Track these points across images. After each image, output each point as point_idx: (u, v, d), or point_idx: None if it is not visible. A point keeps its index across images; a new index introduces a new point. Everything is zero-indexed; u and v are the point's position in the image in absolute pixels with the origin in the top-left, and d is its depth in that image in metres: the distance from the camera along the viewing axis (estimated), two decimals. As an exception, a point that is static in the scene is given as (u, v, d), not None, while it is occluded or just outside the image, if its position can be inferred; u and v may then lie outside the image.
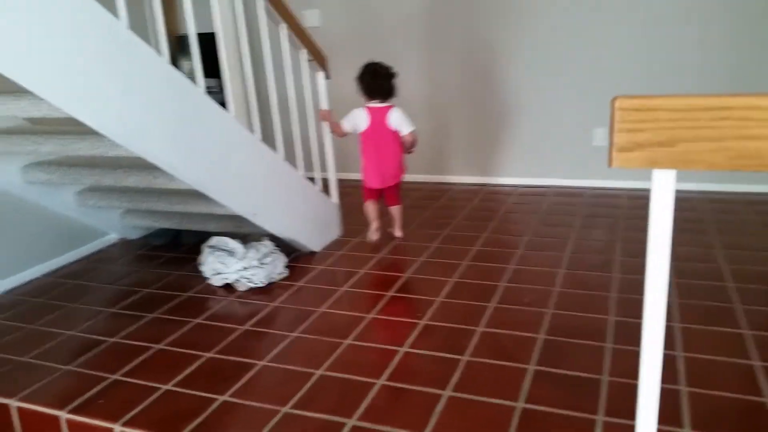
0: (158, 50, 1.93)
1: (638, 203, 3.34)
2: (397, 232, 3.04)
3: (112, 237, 3.25)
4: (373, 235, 2.97)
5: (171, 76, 1.99)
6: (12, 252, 2.69)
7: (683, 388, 1.63)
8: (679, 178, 0.76)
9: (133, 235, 3.28)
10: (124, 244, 3.21)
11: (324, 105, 2.98)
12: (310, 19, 4.11)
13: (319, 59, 2.88)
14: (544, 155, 3.84)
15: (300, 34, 2.71)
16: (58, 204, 2.85)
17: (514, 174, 3.96)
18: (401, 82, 3.83)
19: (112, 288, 2.63)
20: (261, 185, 2.49)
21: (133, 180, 2.48)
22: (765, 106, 0.67)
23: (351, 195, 3.44)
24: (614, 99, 0.73)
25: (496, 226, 3.14)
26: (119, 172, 2.50)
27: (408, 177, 4.11)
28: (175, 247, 3.09)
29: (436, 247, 2.86)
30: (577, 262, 2.57)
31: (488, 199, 3.69)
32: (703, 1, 3.30)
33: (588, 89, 3.60)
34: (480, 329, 2.04)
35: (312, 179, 2.92)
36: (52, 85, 1.61)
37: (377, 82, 2.83)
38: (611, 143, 0.73)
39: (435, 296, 2.32)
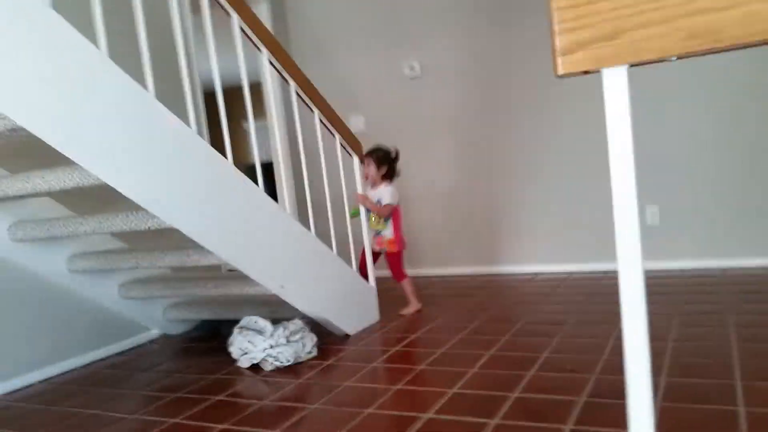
0: (189, 124, 2.05)
1: (694, 281, 3.10)
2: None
3: (154, 332, 3.26)
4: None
5: (200, 146, 2.08)
6: (55, 341, 2.72)
7: None
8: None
9: (175, 330, 3.28)
10: (164, 339, 3.21)
11: (360, 189, 3.05)
12: (355, 124, 4.31)
13: (354, 145, 2.97)
14: (593, 238, 3.68)
15: (334, 120, 2.82)
16: (102, 295, 2.91)
17: (565, 260, 3.80)
18: (446, 175, 3.90)
19: (141, 376, 2.59)
20: (290, 259, 2.48)
21: (168, 260, 2.52)
22: (707, -26, 0.61)
23: (392, 289, 3.36)
24: (550, -1, 0.69)
25: (546, 308, 2.97)
26: (155, 254, 2.56)
27: (449, 270, 4.07)
28: (213, 339, 3.05)
29: (475, 327, 2.70)
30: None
31: (538, 285, 3.52)
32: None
33: (638, 165, 3.51)
34: (514, 395, 1.84)
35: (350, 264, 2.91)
36: (92, 154, 1.72)
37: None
38: (553, 49, 0.68)
39: (469, 368, 2.15)
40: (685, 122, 3.42)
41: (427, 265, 4.24)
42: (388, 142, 4.22)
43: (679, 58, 0.65)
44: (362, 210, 3.09)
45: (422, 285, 3.88)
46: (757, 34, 0.59)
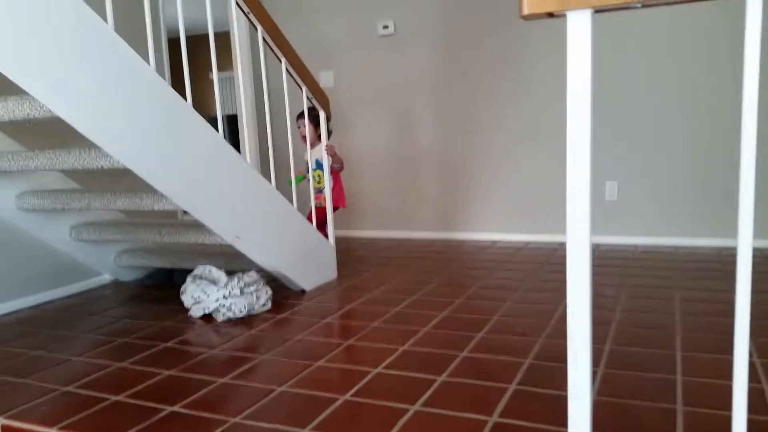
0: (147, 58, 1.96)
1: (647, 257, 3.18)
2: None
3: (106, 277, 3.20)
4: None
5: (158, 84, 2.01)
6: (2, 280, 2.64)
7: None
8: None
9: (128, 277, 3.22)
10: (116, 285, 3.15)
11: (324, 151, 3.02)
12: (325, 79, 4.24)
13: (320, 98, 2.91)
14: (552, 210, 3.72)
15: (301, 71, 2.75)
16: (53, 237, 2.83)
17: (524, 230, 3.85)
18: (413, 137, 3.88)
19: (89, 320, 2.54)
20: (248, 210, 2.43)
21: (121, 202, 2.45)
22: None
23: (355, 250, 3.37)
24: (520, -63, 0.66)
25: (501, 275, 3.00)
26: (108, 196, 2.48)
27: (408, 234, 4.09)
28: (166, 288, 3.01)
29: (431, 288, 2.73)
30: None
31: (495, 253, 3.56)
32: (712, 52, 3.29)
33: (598, 141, 3.56)
34: (463, 354, 1.87)
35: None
36: (40, 81, 1.63)
37: None
38: (520, -12, 0.66)
39: (421, 327, 2.17)
40: (648, 100, 3.45)
41: (386, 228, 4.25)
42: (356, 99, 4.18)
43: (644, 6, 0.63)
44: (310, 171, 3.08)
45: (381, 246, 3.89)
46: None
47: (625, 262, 3.12)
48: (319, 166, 3.15)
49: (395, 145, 4.16)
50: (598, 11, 0.64)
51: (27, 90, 1.61)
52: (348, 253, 3.61)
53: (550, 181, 3.71)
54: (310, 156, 3.07)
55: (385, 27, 3.99)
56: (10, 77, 1.56)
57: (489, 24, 3.77)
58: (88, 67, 1.74)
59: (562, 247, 3.58)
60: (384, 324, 2.24)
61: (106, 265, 3.11)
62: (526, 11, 0.65)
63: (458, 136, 3.97)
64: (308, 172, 3.11)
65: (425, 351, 1.93)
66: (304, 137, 3.05)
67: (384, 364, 1.83)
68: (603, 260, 3.19)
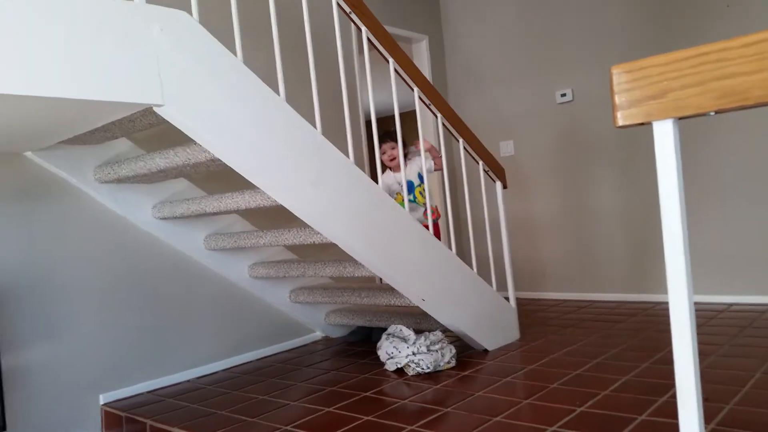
0: (347, 154, 2.38)
1: None
2: None
3: (318, 334, 3.67)
4: None
5: (357, 175, 2.40)
6: (237, 336, 3.21)
7: None
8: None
9: (335, 334, 3.66)
10: (326, 341, 3.60)
11: (502, 217, 3.18)
12: (505, 149, 4.46)
13: (496, 170, 3.13)
14: (759, 269, 3.44)
15: (477, 147, 3.01)
16: (276, 299, 3.37)
17: (726, 291, 3.59)
18: (594, 198, 3.90)
19: (304, 371, 2.97)
20: (432, 275, 2.70)
21: (329, 270, 2.88)
22: (735, 45, 0.74)
23: (540, 311, 3.45)
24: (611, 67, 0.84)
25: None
26: (318, 265, 2.93)
27: (603, 296, 4.03)
28: (366, 344, 3.38)
29: (616, 352, 2.71)
30: (783, 370, 2.23)
31: (697, 314, 3.37)
32: None
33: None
34: (641, 417, 1.89)
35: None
36: (269, 180, 2.10)
37: None
38: (613, 105, 0.84)
39: (601, 390, 2.20)
40: None
41: (572, 290, 4.24)
42: (536, 165, 4.32)
43: (717, 113, 0.77)
44: (426, 189, 3.09)
45: (566, 308, 3.90)
46: (777, 95, 0.71)
47: None
48: (421, 179, 3.19)
49: (576, 208, 4.19)
50: (680, 119, 0.80)
51: (259, 187, 2.08)
52: (532, 314, 3.70)
53: (754, 239, 3.45)
54: (413, 172, 3.19)
55: (563, 95, 4.13)
56: (249, 179, 2.04)
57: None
58: (303, 166, 2.18)
59: (771, 309, 3.28)
60: (563, 385, 2.31)
61: (318, 323, 3.58)
62: (620, 123, 0.82)
63: (644, 194, 3.88)
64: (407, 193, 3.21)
65: (602, 413, 1.98)
66: (392, 160, 3.23)
67: (559, 423, 1.92)
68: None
